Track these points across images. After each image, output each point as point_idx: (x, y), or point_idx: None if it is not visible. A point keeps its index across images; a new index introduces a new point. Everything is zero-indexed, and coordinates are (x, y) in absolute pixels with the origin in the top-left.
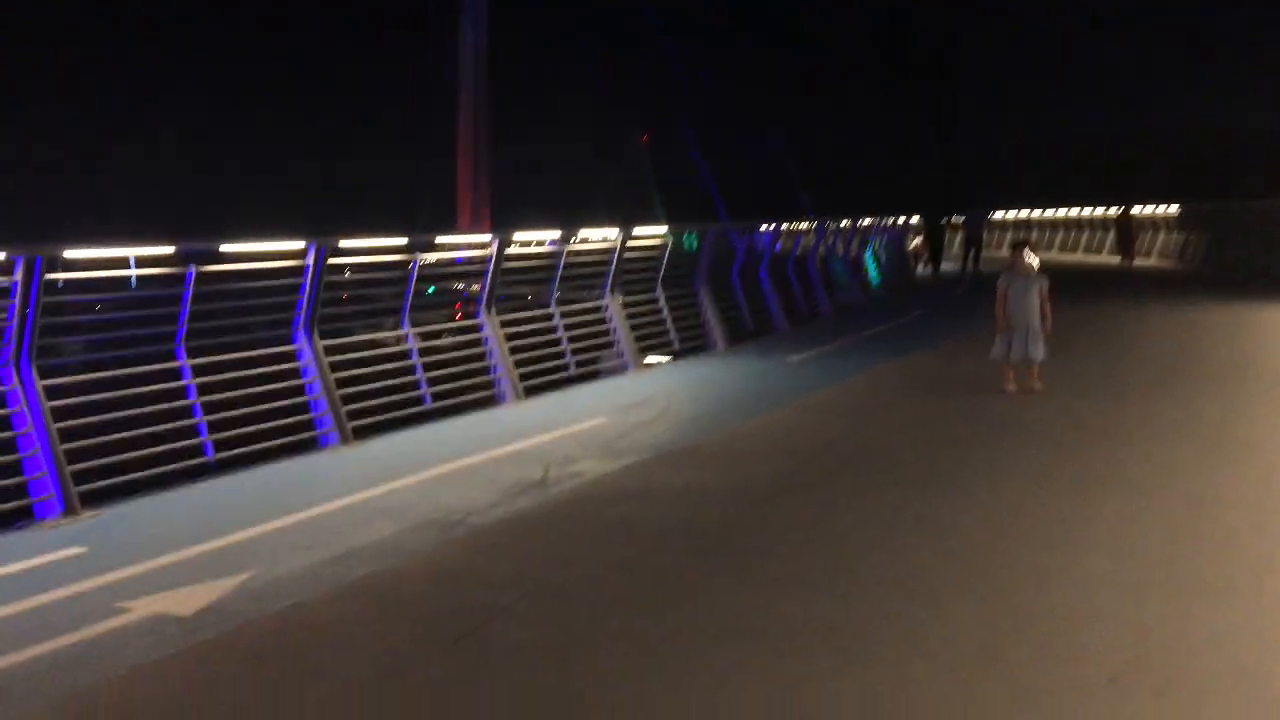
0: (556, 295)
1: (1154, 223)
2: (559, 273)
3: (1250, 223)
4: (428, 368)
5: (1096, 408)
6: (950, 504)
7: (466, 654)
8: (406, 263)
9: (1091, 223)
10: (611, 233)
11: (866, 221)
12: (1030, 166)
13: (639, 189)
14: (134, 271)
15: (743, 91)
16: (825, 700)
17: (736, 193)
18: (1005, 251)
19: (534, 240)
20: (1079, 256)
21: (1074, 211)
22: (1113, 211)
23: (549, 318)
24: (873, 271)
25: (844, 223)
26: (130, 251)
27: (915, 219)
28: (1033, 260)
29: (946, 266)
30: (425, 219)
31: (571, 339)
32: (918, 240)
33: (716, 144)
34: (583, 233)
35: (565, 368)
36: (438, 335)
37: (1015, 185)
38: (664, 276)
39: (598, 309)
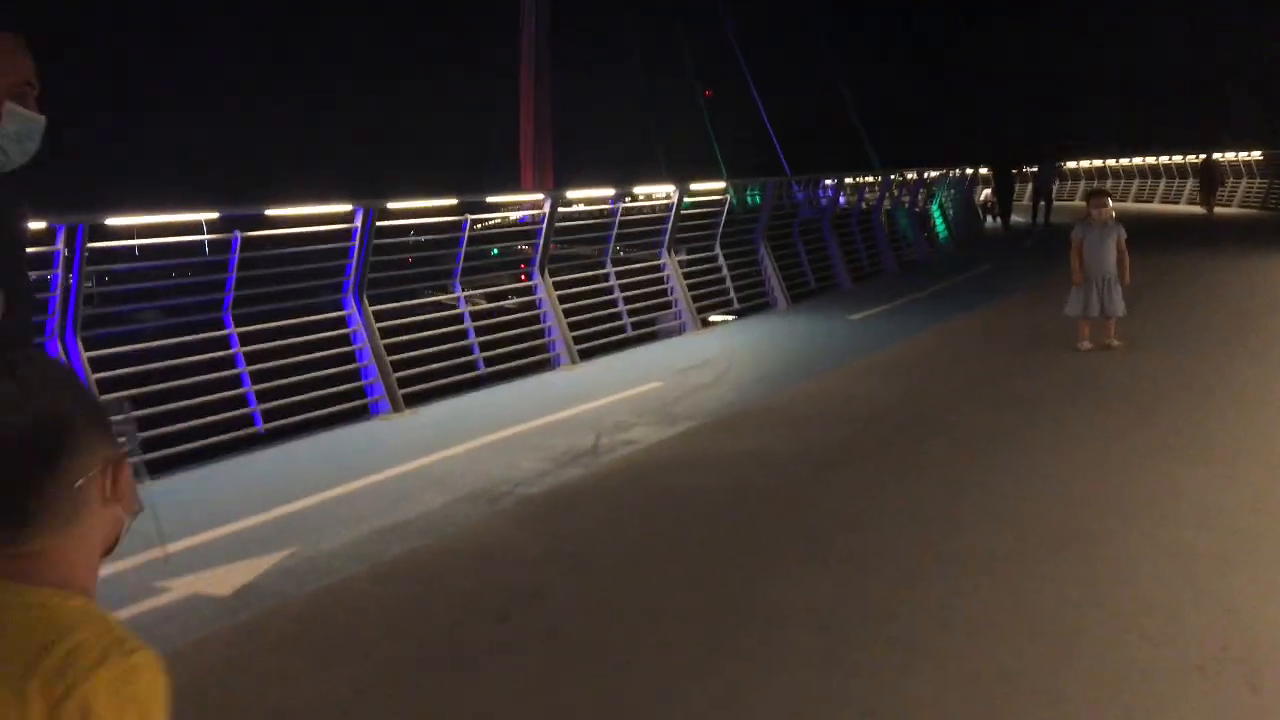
0: (611, 255)
1: (1235, 168)
2: (614, 231)
3: None
4: (480, 332)
5: (1174, 365)
6: (1015, 474)
7: (508, 634)
8: (458, 224)
9: (1169, 170)
10: (668, 189)
11: (933, 174)
12: (1101, 107)
13: (702, 144)
14: (171, 239)
15: (806, 43)
16: (889, 693)
17: (802, 147)
18: (1081, 201)
19: (588, 198)
20: (1156, 206)
21: (1150, 159)
22: (1193, 159)
23: (604, 278)
24: (940, 225)
25: (909, 175)
26: (172, 218)
27: (984, 170)
28: (1110, 208)
29: (1016, 219)
30: (490, 179)
31: (628, 300)
32: (986, 192)
33: (781, 97)
34: (638, 189)
35: (622, 329)
36: (496, 299)
37: (1083, 131)
38: (723, 233)
39: (656, 268)
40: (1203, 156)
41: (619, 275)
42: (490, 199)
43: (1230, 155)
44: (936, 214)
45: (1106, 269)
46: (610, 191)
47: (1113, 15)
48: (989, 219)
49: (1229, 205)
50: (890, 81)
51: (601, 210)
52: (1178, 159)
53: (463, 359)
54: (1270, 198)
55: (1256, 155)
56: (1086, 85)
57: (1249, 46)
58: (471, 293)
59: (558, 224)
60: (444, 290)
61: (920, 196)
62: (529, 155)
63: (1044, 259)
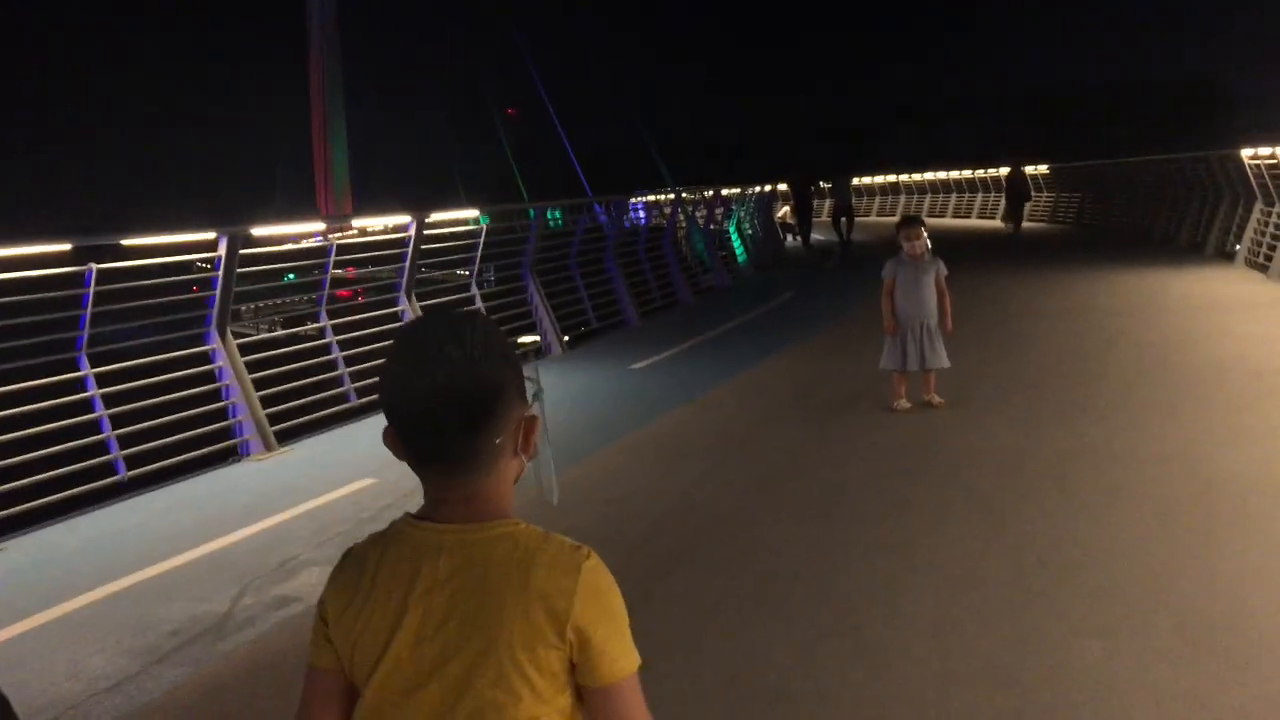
0: (326, 304)
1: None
2: (328, 275)
3: (1124, 180)
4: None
5: (1012, 432)
6: (827, 634)
7: None
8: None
9: (969, 184)
10: (402, 219)
11: (729, 192)
12: (897, 124)
13: (502, 166)
14: None
15: (605, 67)
16: None
17: (609, 168)
18: (883, 219)
19: (289, 233)
20: (950, 220)
21: (952, 174)
22: (994, 172)
23: (319, 334)
24: (738, 247)
25: (705, 193)
26: None
27: (782, 187)
28: (925, 240)
29: (817, 237)
30: (281, 203)
31: (353, 359)
32: (785, 209)
33: (584, 120)
34: (365, 221)
35: (343, 398)
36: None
37: (875, 149)
38: (483, 268)
39: (393, 317)
40: (1006, 170)
41: (340, 329)
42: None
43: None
44: (734, 235)
45: (925, 313)
46: (316, 226)
47: (909, 36)
48: (789, 238)
49: (994, 219)
50: (692, 101)
51: (317, 248)
52: (979, 173)
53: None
54: (1059, 211)
55: (1043, 169)
56: (884, 103)
57: (1029, 74)
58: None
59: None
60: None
61: (719, 216)
62: (323, 181)
63: (849, 282)
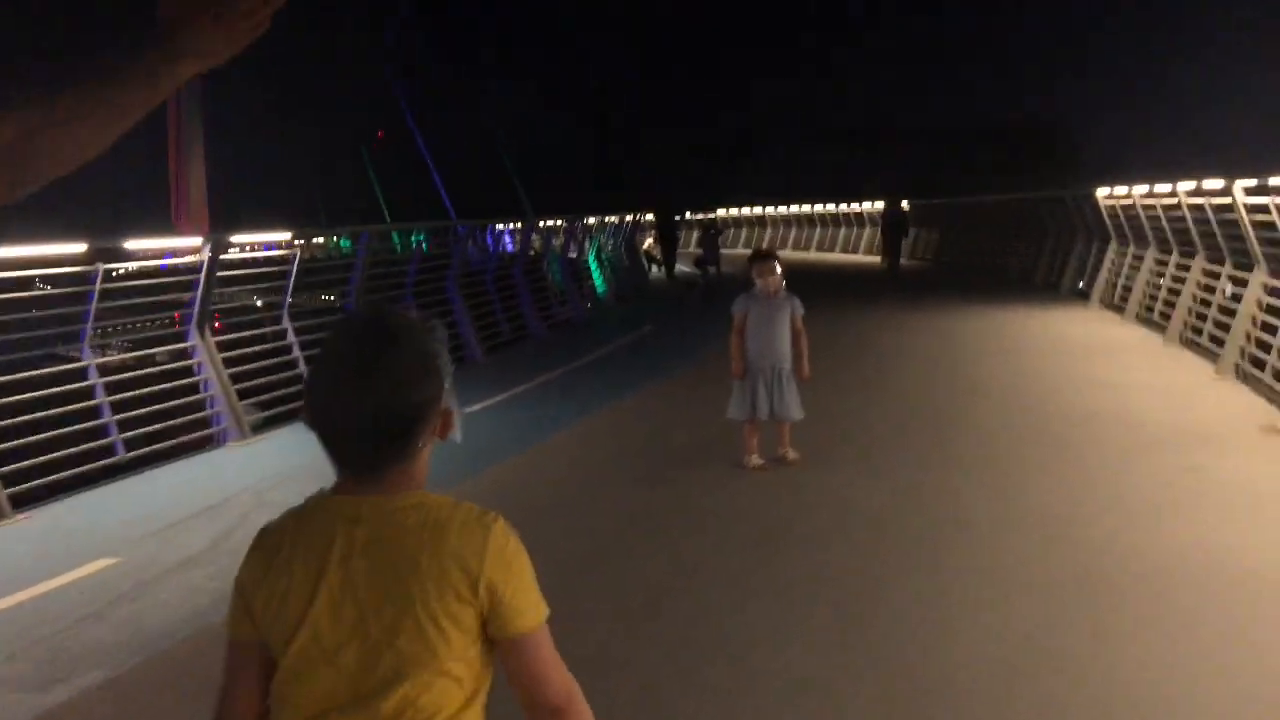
0: (90, 340)
1: (873, 218)
2: (91, 306)
3: (984, 218)
4: None
5: (875, 496)
6: None
7: None
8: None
9: (832, 219)
10: (191, 240)
11: (590, 220)
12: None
13: (368, 190)
14: None
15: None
16: None
17: (477, 193)
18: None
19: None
20: (813, 254)
21: (822, 207)
22: (868, 206)
23: (81, 374)
24: (597, 278)
25: (563, 220)
26: None
27: (649, 216)
28: (779, 276)
29: (682, 268)
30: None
31: (121, 405)
32: (649, 240)
33: (447, 142)
34: (140, 244)
35: (109, 450)
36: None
37: (742, 181)
38: (296, 298)
39: (183, 352)
40: (883, 204)
41: (106, 369)
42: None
43: (869, 205)
44: (594, 265)
45: (777, 356)
46: (78, 248)
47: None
48: (654, 269)
49: (856, 253)
50: (560, 127)
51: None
52: (845, 208)
53: None
54: (919, 248)
55: (904, 205)
56: (751, 134)
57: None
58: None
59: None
60: None
61: (577, 245)
62: (181, 201)
63: (711, 316)
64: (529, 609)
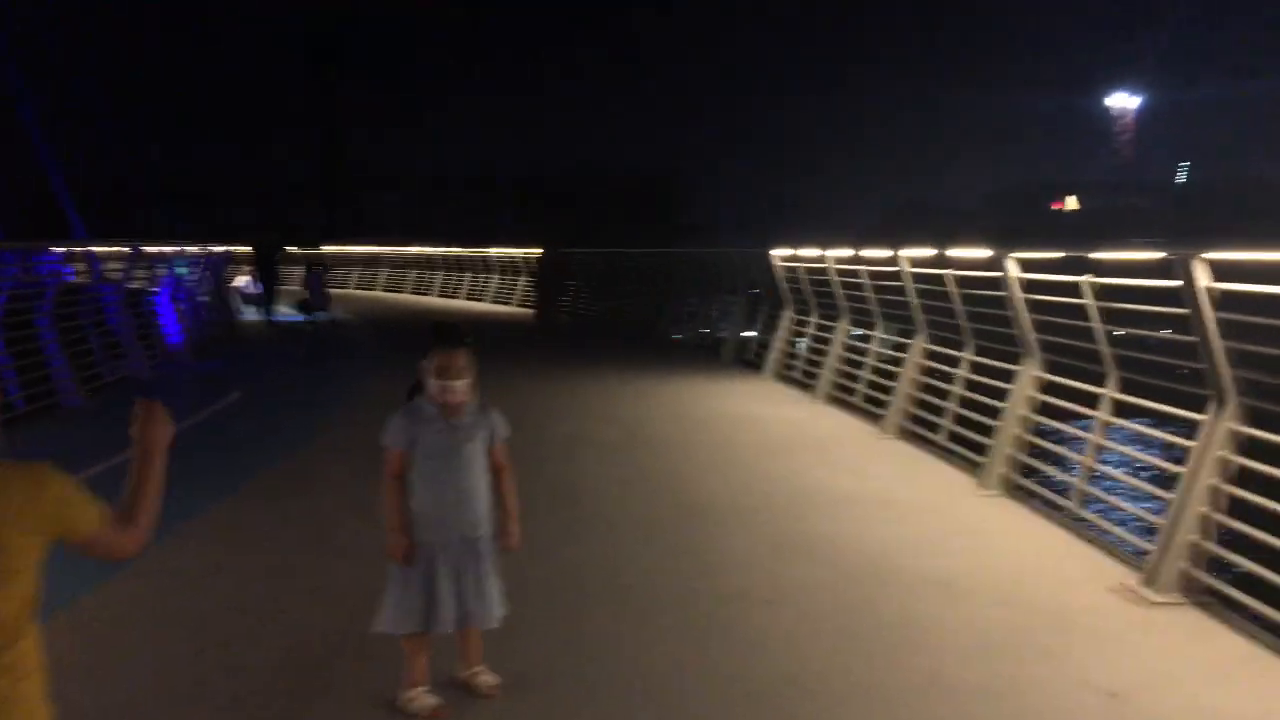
0: None
1: (515, 266)
2: None
3: (629, 271)
4: None
5: None
6: None
7: None
8: None
9: (455, 260)
10: None
11: (160, 249)
12: (383, 194)
13: None
14: None
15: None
16: None
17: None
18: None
19: None
20: (440, 301)
21: (433, 250)
22: (524, 252)
23: None
24: (172, 324)
25: (123, 249)
26: None
27: (246, 249)
28: (468, 380)
29: (288, 312)
30: None
31: None
32: (246, 278)
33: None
34: None
35: None
36: None
37: (358, 216)
38: None
39: None
40: (540, 251)
41: None
42: None
43: (498, 251)
44: (169, 308)
45: (469, 518)
46: None
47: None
48: (252, 310)
49: (483, 300)
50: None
51: None
52: (471, 252)
53: None
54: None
55: (535, 251)
56: (377, 173)
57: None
58: None
59: None
60: None
61: (145, 282)
62: None
63: (323, 380)
64: (87, 509)
